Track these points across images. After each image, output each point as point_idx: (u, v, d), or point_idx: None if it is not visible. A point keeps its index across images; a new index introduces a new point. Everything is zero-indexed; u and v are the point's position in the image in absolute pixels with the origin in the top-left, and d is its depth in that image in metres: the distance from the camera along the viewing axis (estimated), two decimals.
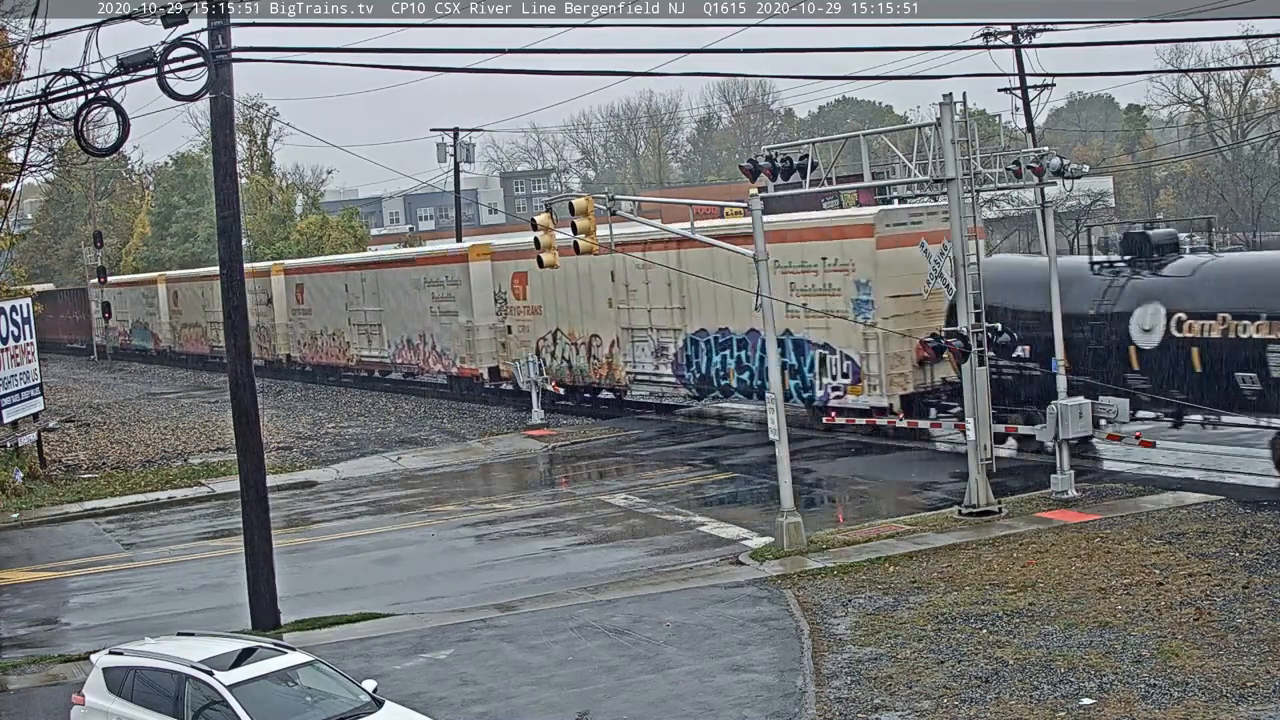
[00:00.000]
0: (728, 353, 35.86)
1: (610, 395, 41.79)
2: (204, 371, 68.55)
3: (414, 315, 49.66)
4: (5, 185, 37.93)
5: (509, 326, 44.50)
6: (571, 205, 24.63)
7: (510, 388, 44.83)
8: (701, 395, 36.92)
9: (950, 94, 23.90)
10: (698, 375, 36.75)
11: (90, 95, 19.29)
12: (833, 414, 32.62)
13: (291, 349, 59.61)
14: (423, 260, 50.32)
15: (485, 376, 46.31)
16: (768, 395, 23.82)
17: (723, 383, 36.18)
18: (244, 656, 14.85)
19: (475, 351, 46.12)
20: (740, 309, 34.46)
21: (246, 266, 66.70)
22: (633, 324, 39.13)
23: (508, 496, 31.10)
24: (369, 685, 14.81)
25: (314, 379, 58.78)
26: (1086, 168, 31.61)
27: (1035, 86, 50.30)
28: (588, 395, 42.79)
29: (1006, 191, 29.92)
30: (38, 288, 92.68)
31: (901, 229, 32.07)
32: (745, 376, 35.28)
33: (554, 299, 42.13)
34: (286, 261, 64.52)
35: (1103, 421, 26.07)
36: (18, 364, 35.10)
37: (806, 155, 25.40)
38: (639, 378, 39.15)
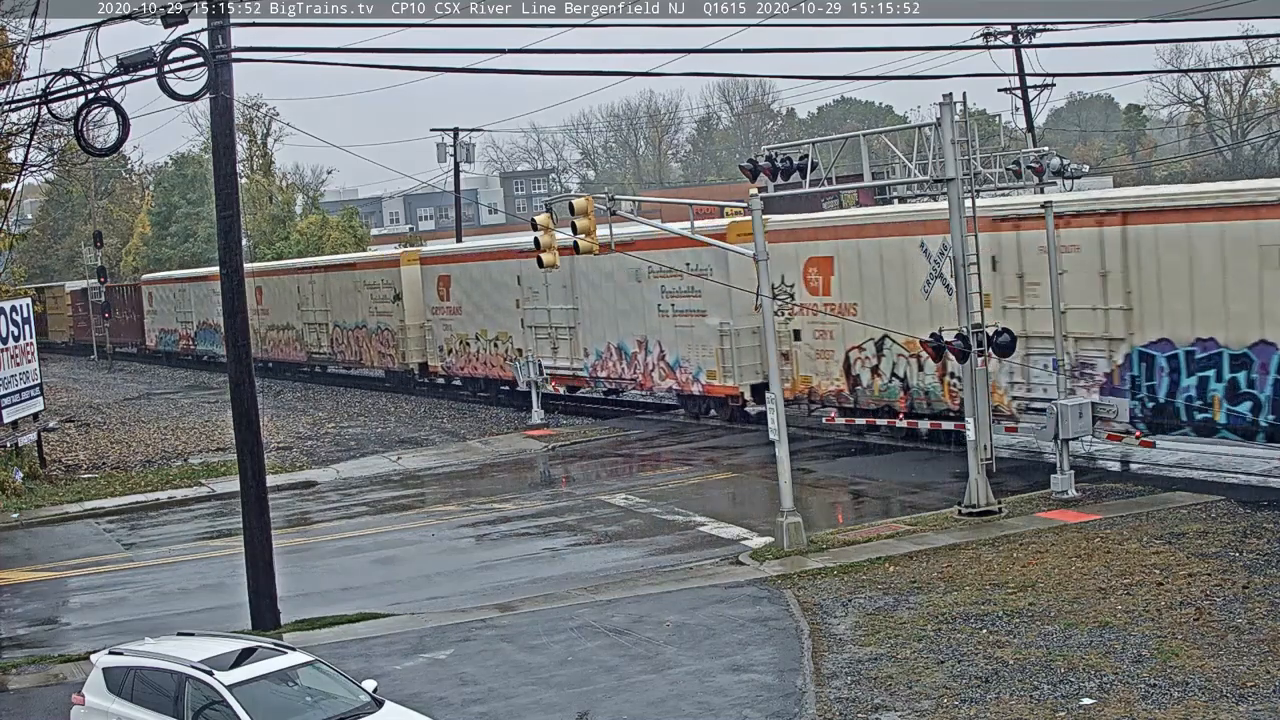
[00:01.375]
0: (1213, 373, 24.87)
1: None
2: (298, 382, 60.05)
3: (627, 314, 38.93)
4: (5, 185, 37.91)
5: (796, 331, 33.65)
6: (571, 205, 24.63)
7: None
8: (1155, 429, 25.85)
9: (950, 94, 23.90)
10: (1151, 403, 25.78)
11: (90, 95, 19.31)
12: (833, 414, 32.59)
13: (430, 356, 49.35)
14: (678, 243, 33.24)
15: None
16: (768, 395, 23.80)
17: (1199, 416, 25.11)
18: (244, 656, 14.85)
19: (733, 364, 35.62)
20: (1242, 310, 24.17)
21: (367, 255, 56.79)
22: (1027, 330, 27.69)
23: (508, 496, 31.10)
24: (369, 685, 14.81)
25: (459, 395, 48.95)
26: (1086, 168, 31.65)
27: (1035, 86, 50.38)
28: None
29: (1006, 191, 29.82)
30: (78, 285, 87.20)
31: None
32: (1245, 407, 24.47)
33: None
34: (425, 248, 56.41)
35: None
36: (18, 364, 35.09)
37: (806, 155, 25.40)
38: (1033, 405, 27.72)
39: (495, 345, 45.06)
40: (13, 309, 35.73)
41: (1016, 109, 51.47)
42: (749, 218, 24.33)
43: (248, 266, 61.60)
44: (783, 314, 32.69)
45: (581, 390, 42.29)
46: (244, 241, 49.16)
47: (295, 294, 58.73)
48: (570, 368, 41.25)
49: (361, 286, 52.98)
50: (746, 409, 36.09)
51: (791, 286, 33.21)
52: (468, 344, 46.60)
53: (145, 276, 79.39)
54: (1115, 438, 26.57)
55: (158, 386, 63.65)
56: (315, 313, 57.45)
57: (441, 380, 50.33)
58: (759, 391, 32.93)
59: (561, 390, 42.60)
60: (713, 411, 37.79)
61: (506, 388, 45.48)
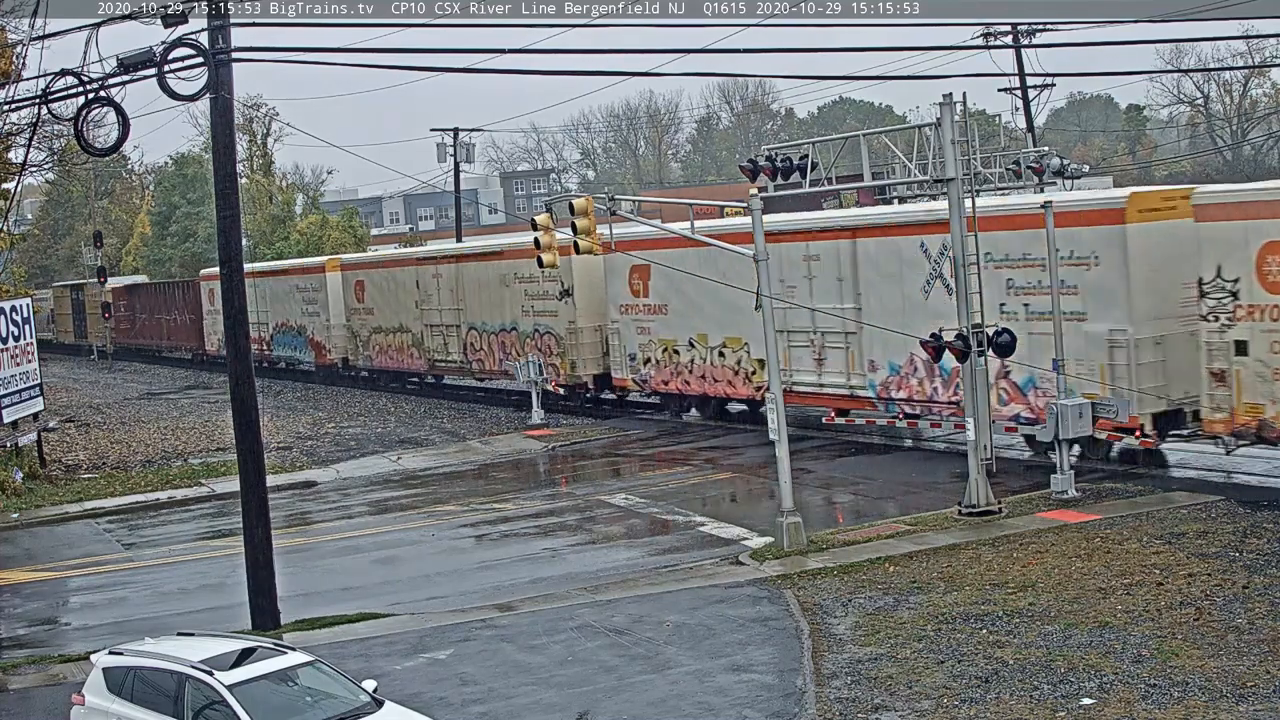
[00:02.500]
0: None
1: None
2: (415, 396, 50.99)
3: (943, 315, 28.30)
4: (5, 185, 37.93)
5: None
6: (571, 205, 24.63)
7: None
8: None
9: (950, 94, 23.90)
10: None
11: (90, 95, 19.31)
12: (832, 414, 32.58)
13: (617, 366, 40.07)
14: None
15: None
16: (768, 396, 23.81)
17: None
18: (244, 656, 14.85)
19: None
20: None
21: (518, 241, 44.79)
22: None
23: (508, 496, 31.09)
24: (369, 685, 14.81)
25: (642, 415, 41.18)
26: (1086, 168, 31.65)
27: (1035, 86, 50.40)
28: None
29: (1006, 191, 29.82)
30: (123, 281, 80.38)
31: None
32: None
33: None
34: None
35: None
36: (18, 364, 35.09)
37: (806, 155, 25.41)
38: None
39: (721, 355, 36.24)
40: (13, 309, 35.73)
41: (1016, 109, 51.51)
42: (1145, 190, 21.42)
43: (347, 258, 59.44)
44: (1219, 317, 24.31)
45: (857, 414, 32.54)
46: (244, 241, 48.88)
47: (412, 289, 49.54)
48: (845, 385, 32.27)
49: (511, 280, 43.43)
50: (1153, 448, 27.06)
51: (1235, 281, 24.08)
52: (675, 352, 37.67)
53: (206, 271, 66.80)
54: (1115, 437, 26.56)
55: (158, 386, 63.64)
56: (442, 312, 48.05)
57: (635, 396, 41.29)
58: (1173, 421, 26.13)
59: (835, 416, 33.11)
60: (1079, 451, 27.32)
61: (744, 406, 36.89)
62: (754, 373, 34.67)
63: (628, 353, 39.28)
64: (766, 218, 24.39)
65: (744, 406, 36.87)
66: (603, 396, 42.01)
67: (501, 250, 45.40)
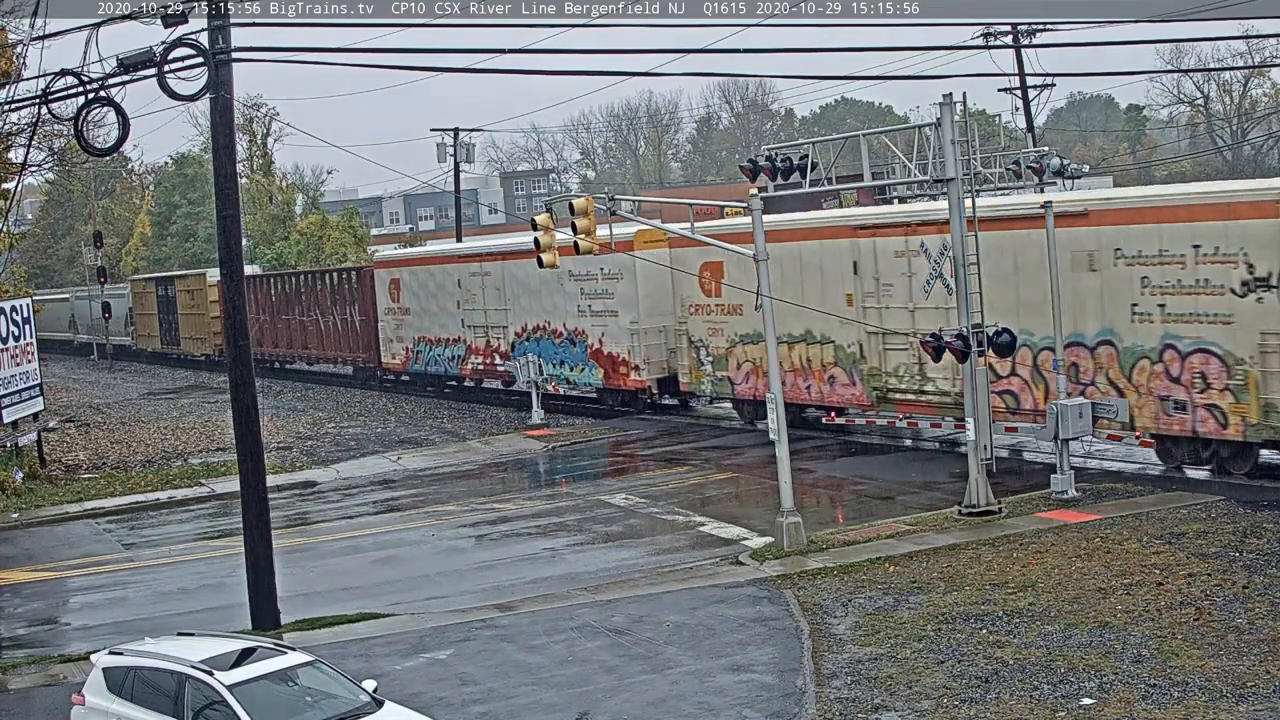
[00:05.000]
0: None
1: None
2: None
3: None
4: (5, 185, 37.93)
5: None
6: (571, 205, 24.63)
7: None
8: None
9: (950, 94, 23.91)
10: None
11: (90, 95, 19.32)
12: (832, 414, 32.57)
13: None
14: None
15: None
16: (768, 396, 23.82)
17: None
18: (244, 656, 14.85)
19: None
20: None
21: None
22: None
23: (508, 496, 31.09)
24: (369, 685, 14.81)
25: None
26: (1086, 168, 31.65)
27: (1035, 86, 50.42)
28: None
29: (1006, 191, 29.83)
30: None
31: None
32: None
33: None
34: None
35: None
36: (18, 364, 35.10)
37: (806, 155, 25.42)
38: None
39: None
40: (13, 309, 35.74)
41: (1016, 109, 51.53)
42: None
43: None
44: None
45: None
46: (244, 241, 48.74)
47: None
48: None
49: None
50: None
51: None
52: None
53: (385, 255, 56.63)
54: (1115, 437, 26.58)
55: (158, 386, 63.63)
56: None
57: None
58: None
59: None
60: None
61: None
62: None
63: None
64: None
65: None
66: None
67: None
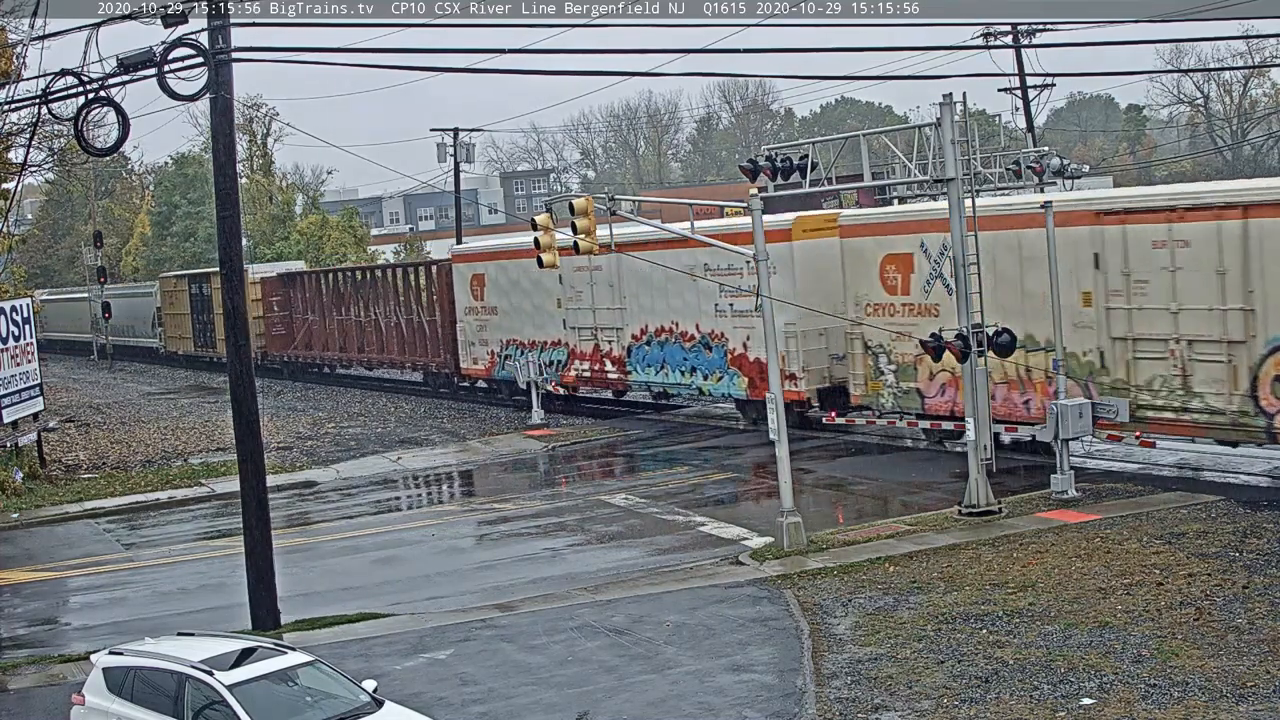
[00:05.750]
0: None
1: None
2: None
3: None
4: (5, 185, 37.95)
5: None
6: (571, 205, 24.63)
7: None
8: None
9: (950, 94, 23.91)
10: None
11: (90, 95, 19.32)
12: (832, 414, 32.55)
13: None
14: None
15: None
16: (768, 395, 23.81)
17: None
18: (244, 656, 14.85)
19: None
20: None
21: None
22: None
23: (508, 496, 31.09)
24: (369, 685, 14.81)
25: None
26: (1086, 168, 31.60)
27: (1035, 86, 50.42)
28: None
29: (1007, 191, 29.83)
30: (270, 268, 62.59)
31: None
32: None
33: None
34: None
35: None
36: (18, 364, 35.11)
37: (806, 155, 25.42)
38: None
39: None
40: (13, 309, 35.75)
41: (1016, 109, 51.53)
42: None
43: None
44: None
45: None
46: (244, 241, 48.49)
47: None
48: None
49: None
50: None
51: None
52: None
53: (463, 249, 49.38)
54: (1115, 438, 26.57)
55: (158, 386, 63.63)
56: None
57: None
58: None
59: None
60: None
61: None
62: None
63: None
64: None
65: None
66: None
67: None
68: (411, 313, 49.55)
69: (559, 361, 41.82)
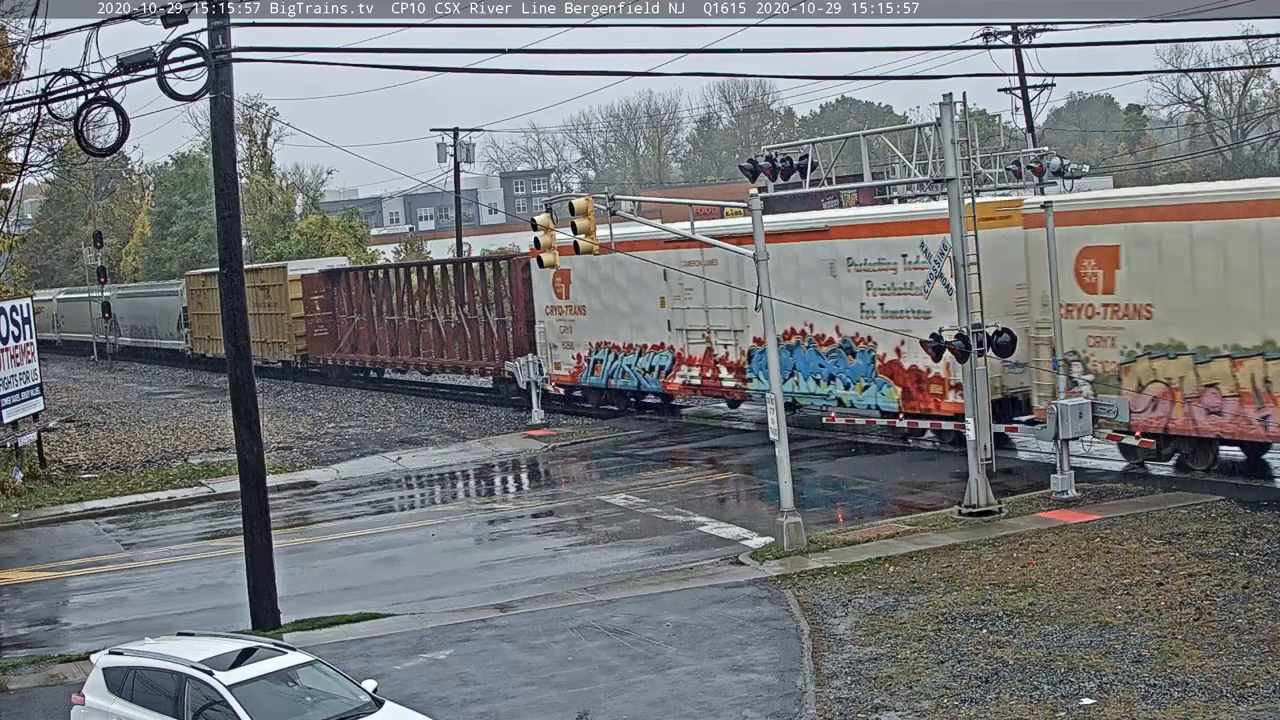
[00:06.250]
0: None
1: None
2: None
3: None
4: (5, 185, 37.95)
5: None
6: (571, 205, 24.62)
7: None
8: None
9: (950, 94, 23.91)
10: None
11: (90, 95, 19.31)
12: (832, 414, 32.53)
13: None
14: None
15: None
16: (768, 395, 23.82)
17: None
18: (244, 656, 14.85)
19: None
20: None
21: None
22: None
23: (508, 496, 31.10)
24: (369, 685, 14.81)
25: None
26: (1086, 168, 31.52)
27: (1035, 86, 50.44)
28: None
29: (1006, 192, 29.79)
30: (312, 264, 57.72)
31: None
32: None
33: None
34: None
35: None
36: (18, 364, 35.10)
37: (806, 155, 25.42)
38: None
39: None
40: (13, 309, 35.74)
41: (1016, 109, 51.56)
42: None
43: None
44: None
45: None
46: (244, 241, 48.33)
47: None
48: None
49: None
50: None
51: None
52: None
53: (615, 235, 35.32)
54: (1115, 437, 26.56)
55: (158, 386, 63.63)
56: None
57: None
58: None
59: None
60: None
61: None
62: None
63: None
64: None
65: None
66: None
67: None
68: (476, 313, 45.67)
69: (661, 367, 37.62)
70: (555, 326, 41.72)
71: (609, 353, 39.53)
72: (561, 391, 42.44)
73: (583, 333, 40.53)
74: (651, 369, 38.11)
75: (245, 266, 53.32)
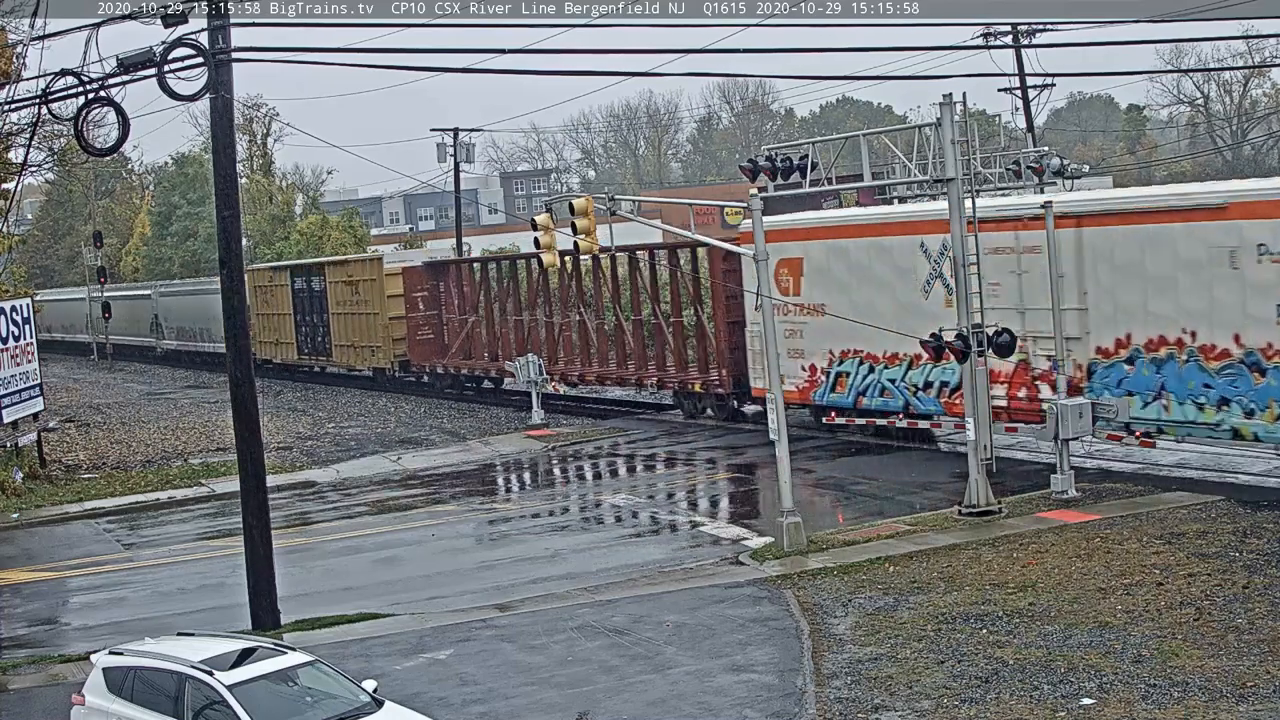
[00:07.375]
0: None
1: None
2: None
3: None
4: (5, 185, 37.95)
5: None
6: (571, 205, 24.63)
7: None
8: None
9: (950, 94, 23.91)
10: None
11: (90, 95, 19.31)
12: (833, 414, 32.49)
13: None
14: None
15: None
16: (768, 395, 23.81)
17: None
18: (244, 656, 14.85)
19: None
20: None
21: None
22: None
23: (508, 496, 31.10)
24: (369, 685, 14.81)
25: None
26: (1086, 168, 31.50)
27: (1035, 86, 50.42)
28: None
29: (1006, 192, 29.79)
30: (423, 256, 51.81)
31: None
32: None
33: None
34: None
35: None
36: (18, 364, 35.09)
37: (806, 155, 25.42)
38: None
39: None
40: (13, 309, 35.73)
41: (1016, 109, 51.54)
42: None
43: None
44: None
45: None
46: (244, 241, 48.18)
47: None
48: None
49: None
50: None
51: None
52: None
53: (781, 221, 31.69)
54: (1115, 437, 26.56)
55: (158, 386, 63.61)
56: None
57: None
58: None
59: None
60: None
61: None
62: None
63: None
64: None
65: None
66: None
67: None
68: (642, 313, 38.92)
69: (944, 383, 29.37)
70: (779, 330, 30.24)
71: (861, 364, 31.64)
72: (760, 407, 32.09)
73: (818, 339, 32.29)
74: (929, 385, 29.92)
75: (331, 259, 43.99)
